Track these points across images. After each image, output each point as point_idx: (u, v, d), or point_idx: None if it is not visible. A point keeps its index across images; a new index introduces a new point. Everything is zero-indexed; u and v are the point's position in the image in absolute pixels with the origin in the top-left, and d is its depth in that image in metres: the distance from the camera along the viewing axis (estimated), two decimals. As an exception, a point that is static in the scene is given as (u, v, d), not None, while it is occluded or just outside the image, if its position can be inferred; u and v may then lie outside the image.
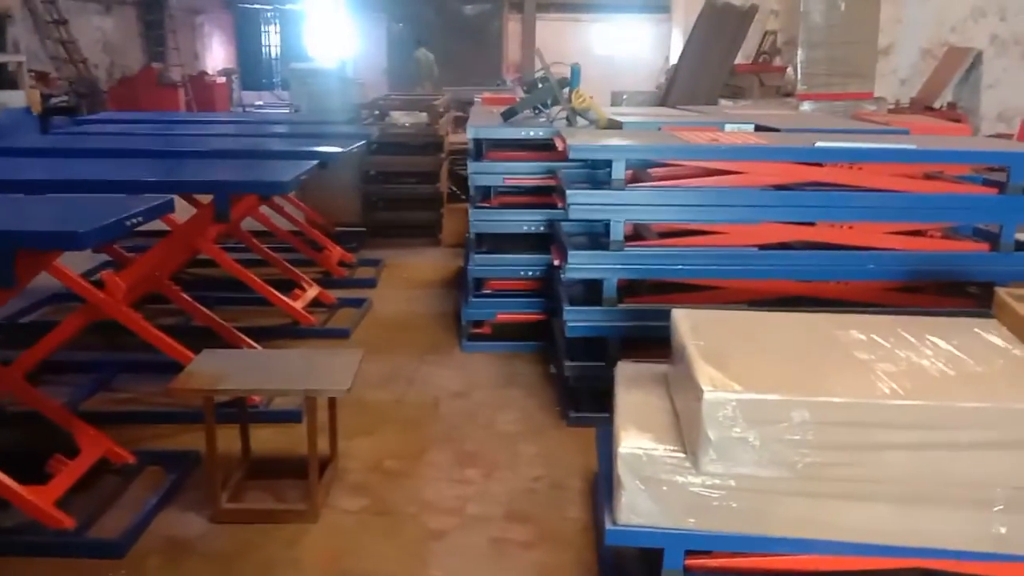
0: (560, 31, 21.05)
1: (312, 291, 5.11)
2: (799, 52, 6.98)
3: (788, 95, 7.31)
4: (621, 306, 3.50)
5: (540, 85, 4.50)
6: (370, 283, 5.81)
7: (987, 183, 3.69)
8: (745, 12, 7.19)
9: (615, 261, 3.44)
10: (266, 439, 3.38)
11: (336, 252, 6.07)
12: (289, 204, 6.52)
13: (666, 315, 3.43)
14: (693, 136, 3.65)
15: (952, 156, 3.59)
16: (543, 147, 4.54)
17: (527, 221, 4.35)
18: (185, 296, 4.10)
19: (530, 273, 4.39)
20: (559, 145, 3.71)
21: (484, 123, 4.56)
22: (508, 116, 4.52)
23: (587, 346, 3.61)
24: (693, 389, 2.27)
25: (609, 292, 3.47)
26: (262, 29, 21.83)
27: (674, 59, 19.57)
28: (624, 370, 2.89)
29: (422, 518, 2.90)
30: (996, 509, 2.23)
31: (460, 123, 8.83)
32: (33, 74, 12.70)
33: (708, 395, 2.19)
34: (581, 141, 3.49)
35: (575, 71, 4.45)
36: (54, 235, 2.45)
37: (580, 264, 3.44)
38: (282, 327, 4.79)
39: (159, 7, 16.93)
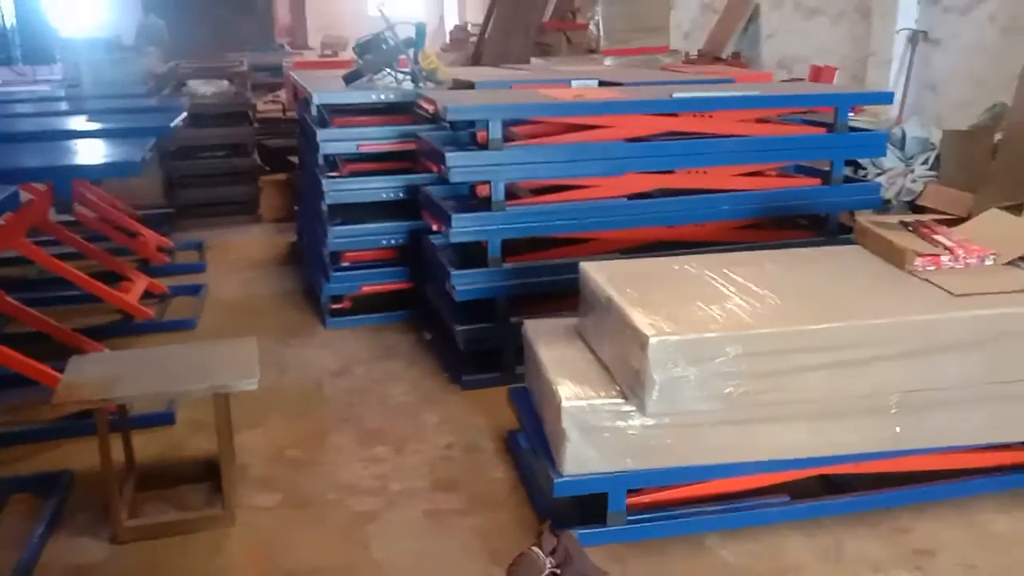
0: (331, -9, 20.35)
1: (141, 282, 4.66)
2: (599, 9, 7.25)
3: (592, 51, 7.59)
4: (506, 265, 3.52)
5: (384, 47, 4.34)
6: (198, 268, 5.39)
7: (811, 124, 4.08)
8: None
9: (499, 222, 3.44)
10: (138, 446, 3.06)
11: (152, 237, 5.56)
12: (84, 190, 5.85)
13: (549, 270, 3.57)
14: (557, 94, 3.71)
15: (792, 100, 3.93)
16: (387, 111, 4.41)
17: (385, 188, 4.22)
18: (8, 299, 3.59)
19: (392, 242, 4.28)
20: (429, 107, 3.62)
21: (326, 88, 4.34)
22: (351, 80, 4.33)
23: (472, 308, 3.59)
24: (633, 337, 2.35)
25: (494, 252, 3.48)
26: (-12, -5, 19.18)
27: (449, 20, 19.74)
28: (533, 328, 2.93)
29: (346, 503, 2.78)
30: (892, 412, 2.51)
31: (256, 91, 8.37)
32: None
33: (653, 340, 2.27)
34: (455, 102, 3.43)
35: (420, 31, 4.34)
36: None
37: (464, 227, 3.41)
38: (117, 324, 4.34)
39: None
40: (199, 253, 5.72)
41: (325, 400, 3.55)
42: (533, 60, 7.12)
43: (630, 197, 3.65)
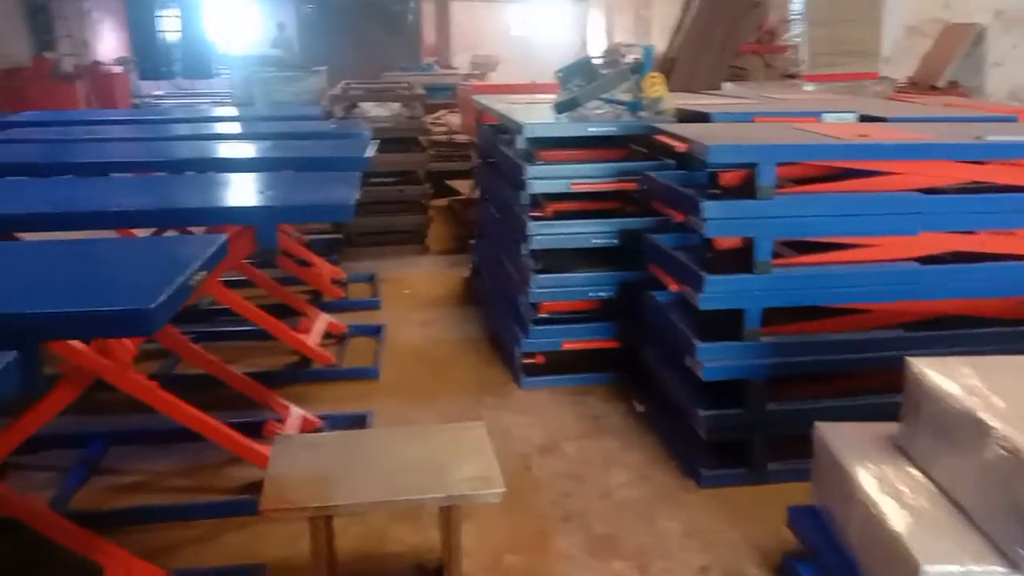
0: (475, 12, 20.35)
1: (321, 320, 4.30)
2: (802, 31, 6.54)
3: (791, 76, 6.87)
4: (764, 340, 2.90)
5: (604, 71, 3.82)
6: (373, 304, 5.02)
7: None
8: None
9: (762, 287, 2.83)
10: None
11: (326, 268, 5.24)
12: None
13: (819, 347, 2.91)
14: (837, 132, 3.07)
15: None
16: (597, 144, 3.88)
17: (598, 233, 3.68)
18: (187, 342, 3.25)
19: (601, 294, 3.74)
20: (677, 145, 3.05)
21: (536, 118, 3.84)
22: (565, 109, 3.82)
23: (713, 387, 2.99)
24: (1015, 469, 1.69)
25: (752, 323, 2.86)
26: (156, 14, 20.10)
27: (592, 40, 19.25)
28: (832, 434, 2.29)
29: (592, 643, 2.23)
30: None
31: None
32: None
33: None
34: (713, 139, 2.85)
35: (648, 54, 3.79)
36: (111, 319, 1.61)
37: (719, 291, 2.81)
38: (295, 369, 3.99)
39: (42, -9, 15.23)
40: (372, 287, 5.36)
41: (537, 485, 3.01)
42: (725, 85, 6.47)
43: (920, 261, 2.97)
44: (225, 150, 3.86)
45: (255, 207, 2.62)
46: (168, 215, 2.71)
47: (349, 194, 2.67)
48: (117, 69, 16.28)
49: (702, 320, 3.03)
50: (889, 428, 2.25)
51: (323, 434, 2.85)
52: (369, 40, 18.27)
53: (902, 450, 2.17)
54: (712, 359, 2.86)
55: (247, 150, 3.84)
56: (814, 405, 2.95)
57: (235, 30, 17.59)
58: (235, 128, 4.73)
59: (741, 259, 2.92)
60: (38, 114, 5.52)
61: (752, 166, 2.79)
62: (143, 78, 19.17)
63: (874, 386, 2.92)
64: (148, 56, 19.75)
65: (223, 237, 2.14)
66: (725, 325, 2.93)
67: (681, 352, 3.01)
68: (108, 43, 18.59)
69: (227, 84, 9.06)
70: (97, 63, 16.08)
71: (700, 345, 2.86)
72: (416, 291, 5.32)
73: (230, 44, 15.25)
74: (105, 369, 2.62)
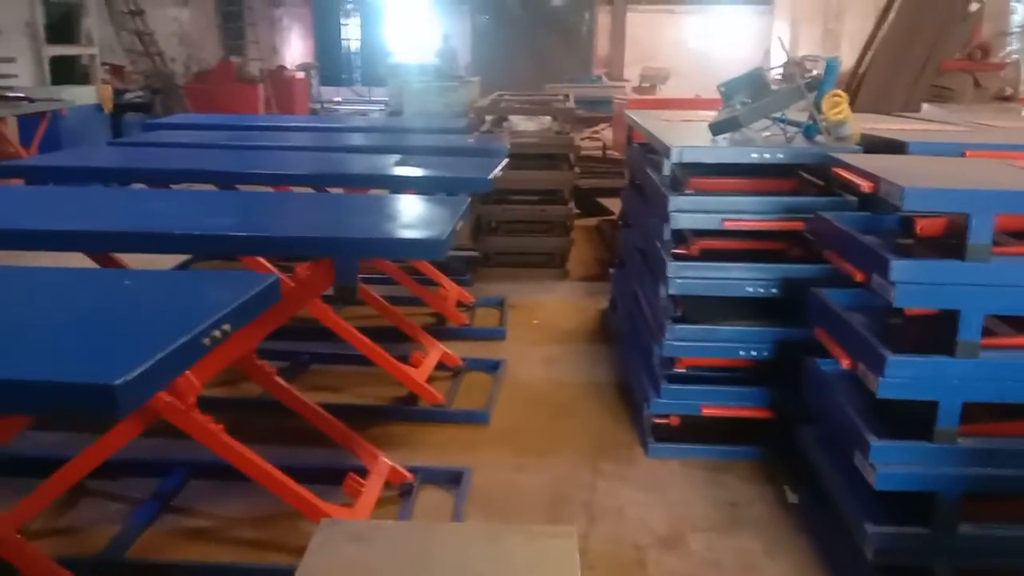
0: (652, 23, 19.72)
1: (434, 352, 3.92)
2: (1022, 46, 5.54)
3: (1006, 99, 5.87)
4: (962, 443, 2.20)
5: (776, 87, 3.20)
6: (497, 334, 4.60)
7: None
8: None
9: (965, 373, 2.15)
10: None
11: (453, 290, 4.88)
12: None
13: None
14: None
15: None
16: (757, 173, 3.26)
17: (754, 280, 3.07)
18: (277, 380, 2.94)
19: (752, 353, 3.12)
20: (862, 183, 2.40)
21: (679, 139, 3.28)
22: (723, 130, 3.23)
23: (888, 493, 2.32)
24: None
25: (948, 421, 2.18)
26: (341, 22, 20.89)
27: (774, 55, 18.09)
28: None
29: None
30: None
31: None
32: (107, 68, 11.91)
33: None
34: (908, 179, 2.19)
35: (832, 67, 3.14)
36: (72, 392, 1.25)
37: (906, 376, 2.16)
38: (397, 407, 3.63)
39: (238, -1, 16.12)
40: (499, 313, 4.95)
41: (650, 590, 2.47)
42: (925, 107, 5.58)
43: None
44: (334, 165, 3.57)
45: (329, 239, 2.24)
46: (221, 242, 2.38)
47: (440, 228, 2.23)
48: (300, 74, 16.97)
49: (880, 406, 2.37)
50: None
51: (379, 523, 2.43)
52: (542, 51, 18.12)
53: None
54: (890, 463, 2.20)
55: (360, 165, 3.53)
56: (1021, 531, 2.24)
57: (411, 39, 17.91)
58: (360, 140, 4.46)
59: (938, 333, 2.25)
60: (187, 117, 5.54)
61: (963, 217, 2.11)
62: (324, 83, 19.96)
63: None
64: (330, 62, 20.58)
65: (271, 278, 1.75)
66: (910, 415, 2.27)
67: (849, 444, 2.37)
68: (295, 49, 19.51)
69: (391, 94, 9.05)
70: (281, 68, 16.82)
71: (875, 443, 2.21)
72: (546, 321, 4.86)
73: (403, 53, 15.49)
74: (166, 408, 2.34)
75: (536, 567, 1.78)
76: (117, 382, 1.22)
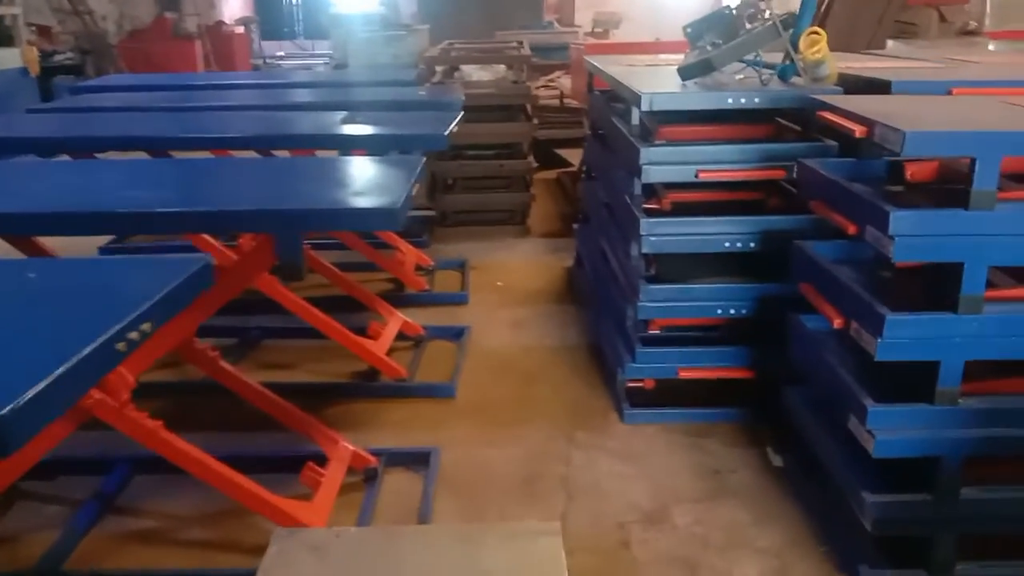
0: (601, -33, 19.21)
1: (394, 322, 3.70)
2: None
3: (970, 33, 5.73)
4: (964, 403, 2.06)
5: (749, 25, 2.98)
6: (460, 299, 4.38)
7: None
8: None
9: (968, 330, 1.99)
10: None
11: (410, 253, 4.65)
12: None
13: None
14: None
15: None
16: (730, 119, 3.06)
17: (732, 235, 2.88)
18: (223, 365, 2.70)
19: (731, 312, 2.95)
20: (854, 128, 2.19)
21: (658, 86, 3.05)
22: (693, 74, 3.01)
23: (880, 460, 2.18)
24: None
25: (950, 381, 2.03)
26: (282, -27, 20.06)
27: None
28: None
29: None
30: None
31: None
32: (33, 28, 11.22)
33: None
34: (909, 123, 2.00)
35: (808, 5, 2.92)
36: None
37: (906, 336, 2.00)
38: (356, 384, 3.41)
39: (169, -50, 15.26)
40: (461, 276, 4.73)
41: (637, 570, 2.31)
42: (890, 44, 5.42)
43: None
44: (278, 125, 3.27)
45: (268, 212, 1.98)
46: (151, 220, 2.11)
47: (395, 194, 2.00)
48: (239, 29, 16.25)
49: (870, 365, 2.22)
50: None
51: (339, 531, 2.19)
52: (488, -1, 17.57)
53: None
54: (890, 428, 2.06)
55: (306, 124, 3.24)
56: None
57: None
58: (305, 97, 4.16)
59: (933, 286, 2.10)
60: (118, 78, 5.15)
61: (965, 162, 1.94)
62: (265, 38, 19.18)
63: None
64: (271, 15, 19.78)
65: (202, 261, 1.51)
66: (906, 375, 2.12)
67: (842, 407, 2.22)
68: (234, 3, 18.65)
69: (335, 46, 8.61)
70: (220, 23, 16.08)
71: (873, 408, 2.05)
72: (510, 283, 4.65)
73: (346, 2, 14.85)
74: (97, 406, 2.09)
75: (519, 563, 1.60)
76: (3, 412, 0.99)
